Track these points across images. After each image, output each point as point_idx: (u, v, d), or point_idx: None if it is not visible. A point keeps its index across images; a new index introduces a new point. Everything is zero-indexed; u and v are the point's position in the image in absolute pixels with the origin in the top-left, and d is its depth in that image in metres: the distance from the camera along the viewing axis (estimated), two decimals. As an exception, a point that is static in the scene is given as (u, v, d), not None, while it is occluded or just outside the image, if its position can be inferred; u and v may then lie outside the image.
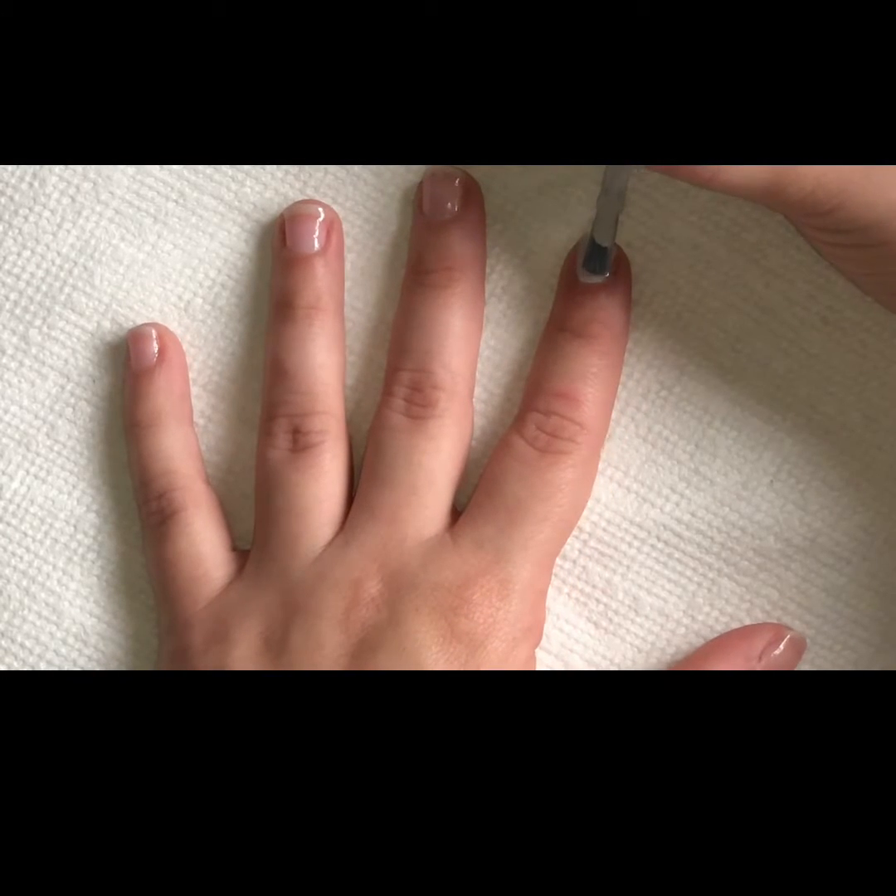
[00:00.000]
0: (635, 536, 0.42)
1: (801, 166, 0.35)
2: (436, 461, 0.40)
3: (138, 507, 0.42)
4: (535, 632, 0.41)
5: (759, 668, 0.41)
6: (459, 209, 0.41)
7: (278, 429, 0.41)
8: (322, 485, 0.41)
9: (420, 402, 0.40)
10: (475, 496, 0.41)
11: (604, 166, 0.41)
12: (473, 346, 0.42)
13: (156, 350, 0.42)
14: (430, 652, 0.39)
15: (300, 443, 0.41)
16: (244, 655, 0.40)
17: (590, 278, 0.40)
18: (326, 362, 0.41)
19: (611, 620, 0.42)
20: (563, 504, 0.40)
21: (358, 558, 0.40)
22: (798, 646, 0.42)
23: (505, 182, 0.42)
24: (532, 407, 0.41)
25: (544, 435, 0.40)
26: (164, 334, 0.42)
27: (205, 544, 0.41)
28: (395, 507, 0.40)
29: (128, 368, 0.42)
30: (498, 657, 0.39)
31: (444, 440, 0.41)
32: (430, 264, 0.41)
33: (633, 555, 0.42)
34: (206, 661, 0.40)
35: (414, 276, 0.41)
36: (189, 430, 0.42)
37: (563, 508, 0.40)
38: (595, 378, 0.41)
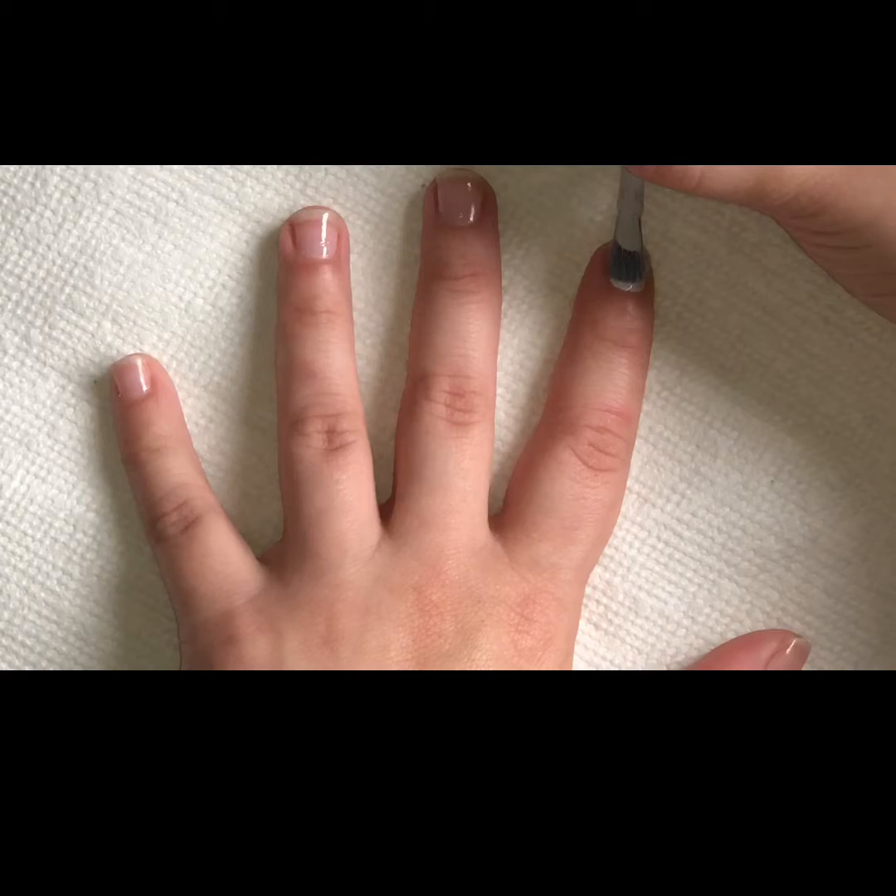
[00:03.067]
0: (636, 537, 0.42)
1: (785, 170, 0.35)
2: (481, 466, 0.41)
3: (151, 524, 0.42)
4: (574, 643, 0.42)
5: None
6: (479, 213, 0.41)
7: (312, 429, 0.41)
8: (362, 482, 0.41)
9: (463, 407, 0.41)
10: (525, 510, 0.41)
11: (608, 167, 0.41)
12: (496, 349, 0.42)
13: (147, 380, 0.42)
14: (496, 665, 0.39)
15: (335, 442, 0.41)
16: (298, 648, 0.39)
17: (623, 286, 0.40)
18: (348, 364, 0.42)
19: (611, 622, 0.42)
20: (610, 522, 0.41)
21: (415, 565, 0.40)
22: (803, 652, 0.42)
23: (505, 182, 0.42)
24: (584, 422, 0.41)
25: (597, 452, 0.40)
26: (150, 363, 0.42)
27: (231, 544, 0.42)
28: (447, 513, 0.40)
29: (118, 400, 0.42)
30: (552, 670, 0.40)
31: (485, 446, 0.41)
32: (458, 270, 0.41)
33: (633, 555, 0.42)
34: (257, 649, 0.40)
35: (439, 280, 0.41)
36: (192, 450, 0.43)
37: (609, 526, 0.41)
38: (638, 391, 0.41)
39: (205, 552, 0.41)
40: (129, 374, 0.42)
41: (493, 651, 0.39)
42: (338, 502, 0.40)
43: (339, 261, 0.42)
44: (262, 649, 0.40)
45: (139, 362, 0.42)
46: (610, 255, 0.40)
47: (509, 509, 0.41)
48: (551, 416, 0.42)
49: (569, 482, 0.40)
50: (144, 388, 0.42)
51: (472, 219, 0.41)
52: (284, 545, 0.42)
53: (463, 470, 0.40)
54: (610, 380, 0.41)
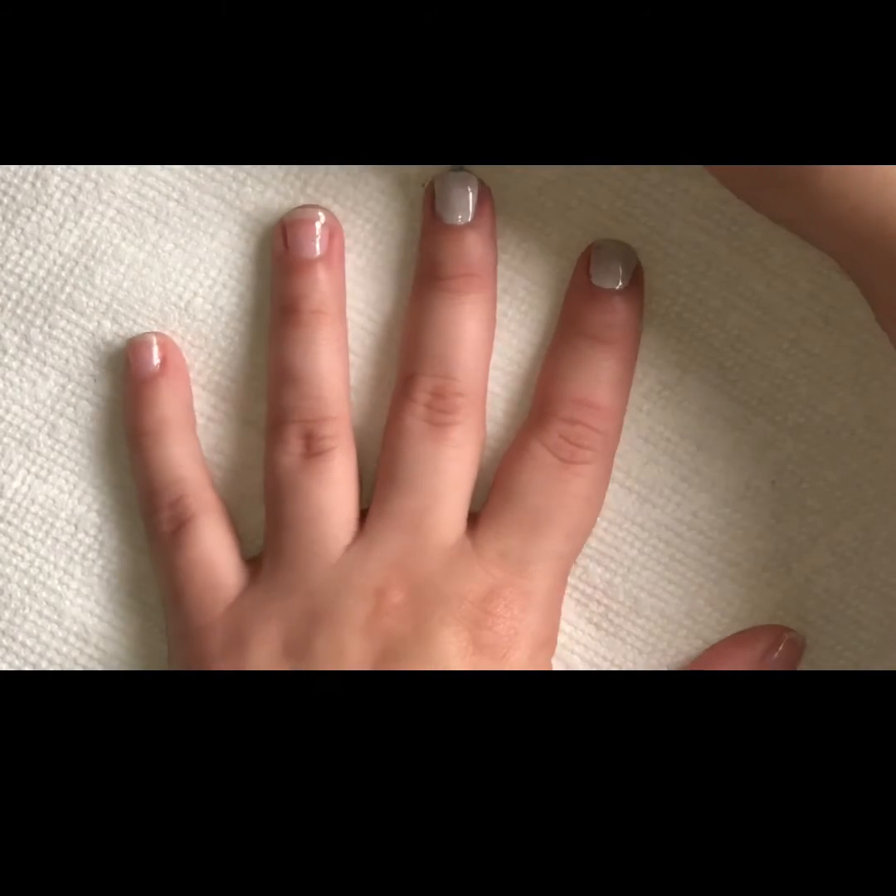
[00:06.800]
0: (636, 537, 0.42)
1: (800, 166, 0.35)
2: (460, 468, 0.41)
3: (146, 516, 0.42)
4: (552, 641, 0.41)
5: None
6: (476, 213, 0.41)
7: (290, 435, 0.41)
8: (337, 490, 0.41)
9: (443, 408, 0.40)
10: (496, 504, 0.41)
11: (608, 167, 0.41)
12: (489, 351, 0.42)
13: (159, 358, 0.42)
14: (455, 664, 0.39)
15: (313, 448, 0.41)
16: (263, 661, 0.39)
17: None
18: (335, 367, 0.41)
19: (611, 622, 0.42)
20: (585, 515, 0.41)
21: (380, 567, 0.40)
22: (798, 647, 0.42)
23: (505, 182, 0.42)
24: (555, 414, 0.40)
25: (568, 444, 0.40)
26: (165, 342, 0.42)
27: (218, 551, 0.41)
28: (419, 514, 0.40)
29: (129, 376, 0.42)
30: (519, 668, 0.40)
31: (466, 447, 0.41)
32: (449, 270, 0.41)
33: (634, 556, 0.42)
34: (224, 667, 0.40)
35: (431, 280, 0.41)
36: (194, 438, 0.42)
37: (583, 519, 0.41)
38: (616, 385, 0.41)
39: (190, 560, 0.41)
40: (142, 351, 0.42)
41: (451, 649, 0.39)
42: (311, 511, 0.40)
43: (330, 260, 0.41)
44: (230, 666, 0.40)
45: (153, 340, 0.42)
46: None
47: (484, 506, 0.41)
48: (530, 412, 0.42)
49: (537, 474, 0.40)
50: (154, 366, 0.42)
51: (468, 218, 0.41)
52: (265, 551, 0.42)
53: (438, 471, 0.40)
54: (584, 372, 0.40)
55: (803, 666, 0.42)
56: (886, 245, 0.36)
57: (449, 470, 0.40)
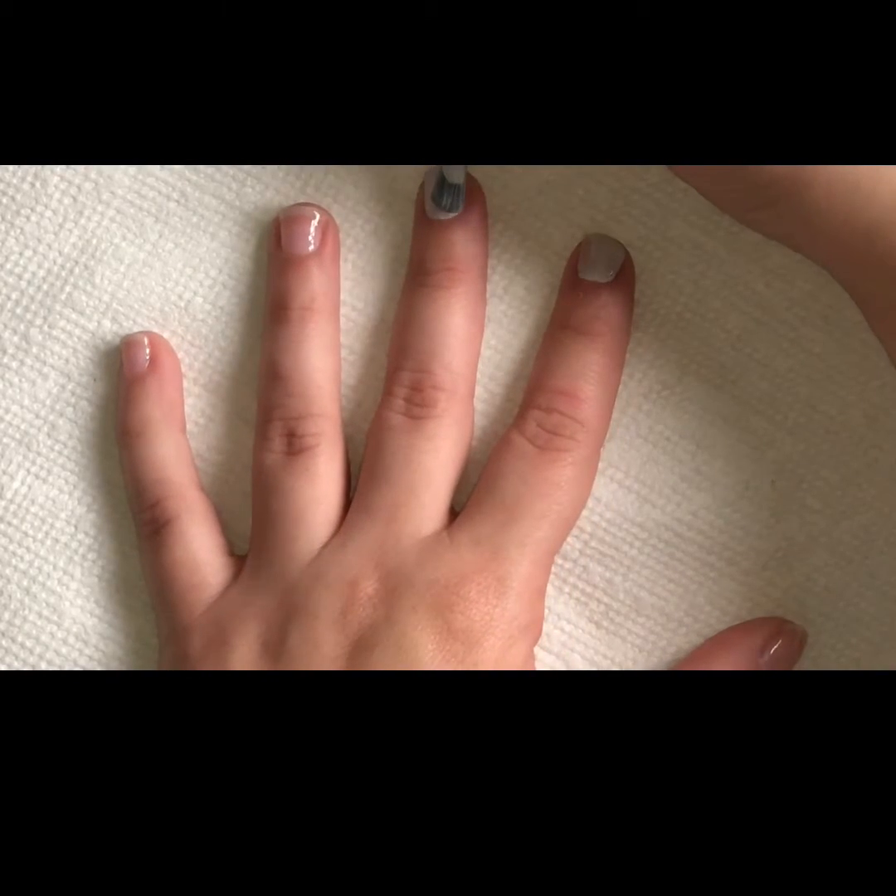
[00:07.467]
0: (636, 536, 0.42)
1: (789, 167, 0.35)
2: (435, 461, 0.40)
3: (133, 516, 0.42)
4: (533, 629, 0.41)
5: (761, 663, 0.41)
6: (463, 209, 0.41)
7: (274, 432, 0.41)
8: (317, 487, 0.41)
9: (420, 402, 0.40)
10: (474, 494, 0.41)
11: (608, 167, 0.41)
12: (475, 346, 0.42)
13: (147, 357, 0.42)
14: (427, 650, 0.39)
15: (295, 446, 0.41)
16: (243, 659, 0.39)
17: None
18: (321, 365, 0.41)
19: (612, 620, 0.42)
20: (562, 502, 0.40)
21: (354, 558, 0.40)
22: (799, 638, 0.42)
23: (505, 182, 0.42)
24: (533, 404, 0.41)
25: (545, 432, 0.40)
26: (156, 341, 0.42)
27: (201, 551, 0.41)
28: (393, 506, 0.40)
29: (121, 376, 0.42)
30: (495, 655, 0.39)
31: (443, 440, 0.41)
32: (431, 265, 0.41)
33: (634, 555, 0.42)
34: (205, 667, 0.40)
35: (415, 276, 0.41)
36: (181, 438, 0.42)
37: (561, 506, 0.40)
38: (597, 376, 0.41)
39: (173, 561, 0.41)
40: (133, 351, 0.42)
41: (422, 635, 0.39)
42: (291, 509, 0.40)
43: (323, 257, 0.41)
44: (210, 665, 0.40)
45: (145, 339, 0.42)
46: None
47: (467, 499, 0.41)
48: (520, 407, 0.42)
49: (512, 460, 0.40)
50: (143, 365, 0.42)
51: (454, 214, 0.41)
52: (249, 549, 0.42)
53: (412, 463, 0.40)
54: (567, 364, 0.40)
55: (805, 665, 0.42)
56: (876, 254, 0.36)
57: (423, 463, 0.40)
